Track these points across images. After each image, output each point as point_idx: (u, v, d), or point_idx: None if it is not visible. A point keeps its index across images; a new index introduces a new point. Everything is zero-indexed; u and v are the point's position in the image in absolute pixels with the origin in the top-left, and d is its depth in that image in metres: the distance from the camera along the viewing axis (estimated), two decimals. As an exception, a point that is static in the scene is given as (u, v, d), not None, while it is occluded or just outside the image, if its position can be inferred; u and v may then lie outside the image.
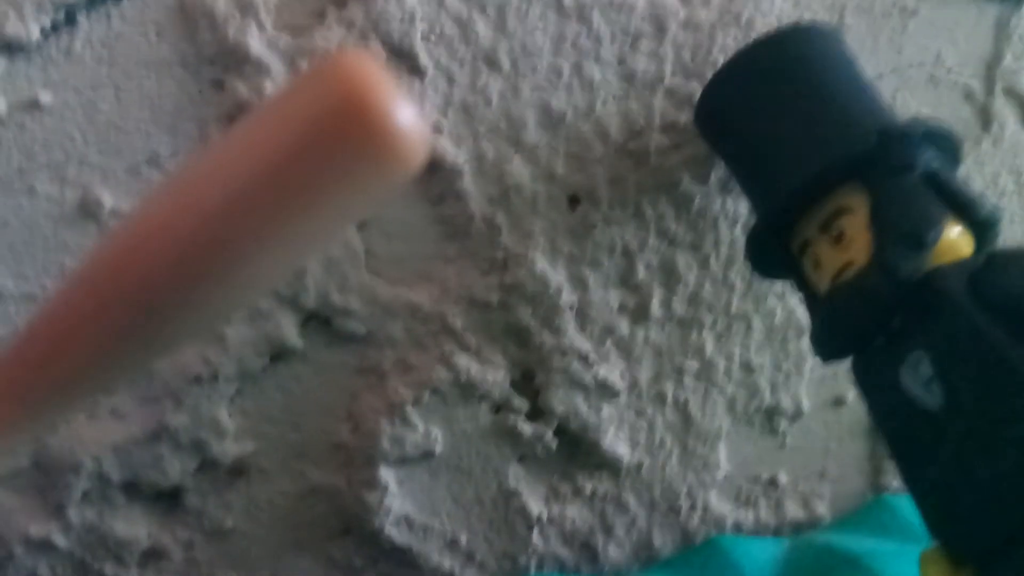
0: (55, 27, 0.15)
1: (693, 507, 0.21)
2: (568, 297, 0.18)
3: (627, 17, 0.17)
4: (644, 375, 0.20)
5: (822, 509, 0.22)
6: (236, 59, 0.16)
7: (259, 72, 0.16)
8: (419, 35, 0.16)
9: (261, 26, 0.16)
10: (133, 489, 0.17)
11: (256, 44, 0.16)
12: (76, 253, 0.16)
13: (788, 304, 0.20)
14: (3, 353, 0.11)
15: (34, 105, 0.15)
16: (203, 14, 0.15)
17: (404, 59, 0.16)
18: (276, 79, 0.16)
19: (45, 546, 0.17)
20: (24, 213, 0.16)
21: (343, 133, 0.08)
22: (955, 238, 0.15)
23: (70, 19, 0.15)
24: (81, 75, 0.15)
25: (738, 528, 0.22)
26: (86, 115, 0.16)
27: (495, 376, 0.18)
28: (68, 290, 0.11)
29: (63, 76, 0.15)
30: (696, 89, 0.18)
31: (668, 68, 0.18)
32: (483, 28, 0.17)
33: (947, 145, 0.16)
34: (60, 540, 0.17)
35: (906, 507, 0.21)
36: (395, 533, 0.18)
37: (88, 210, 0.16)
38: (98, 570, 0.18)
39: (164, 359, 0.16)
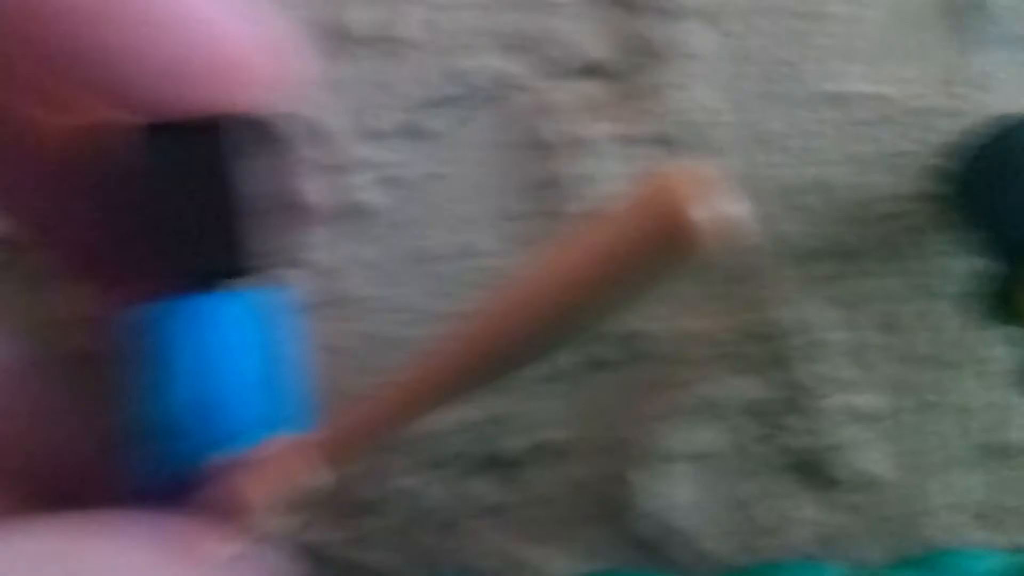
0: (449, 120, 0.21)
1: (936, 528, 0.25)
2: (822, 335, 0.23)
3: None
4: (891, 404, 0.24)
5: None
6: (553, 143, 0.21)
7: (568, 150, 0.21)
8: (706, 124, 0.21)
9: (574, 117, 0.21)
10: (483, 458, 0.23)
11: (580, 130, 0.21)
12: (452, 281, 0.22)
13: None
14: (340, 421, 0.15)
15: (435, 174, 0.22)
16: (538, 109, 0.21)
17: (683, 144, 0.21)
18: (590, 156, 0.21)
19: (415, 494, 0.24)
20: (420, 250, 0.22)
21: (670, 244, 0.12)
22: None
23: (461, 117, 0.21)
24: (463, 154, 0.22)
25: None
26: (463, 182, 0.22)
27: (756, 396, 0.23)
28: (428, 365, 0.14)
29: (454, 155, 0.22)
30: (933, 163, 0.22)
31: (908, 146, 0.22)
32: (770, 116, 0.22)
33: None
34: (428, 490, 0.24)
35: None
36: (655, 511, 0.23)
37: (465, 250, 0.22)
38: (451, 518, 0.24)
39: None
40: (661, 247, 0.12)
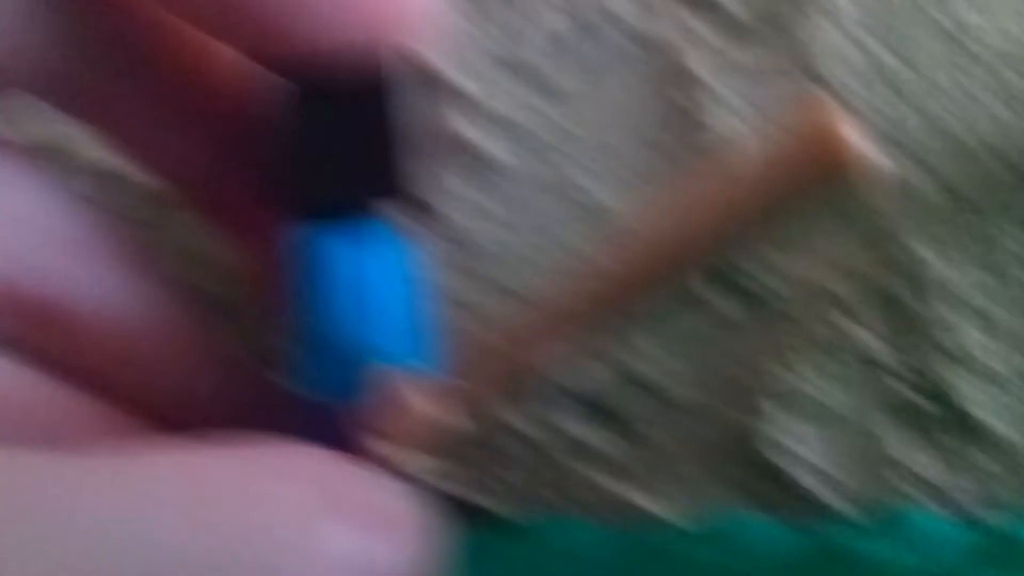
0: (575, 81, 0.22)
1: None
2: (936, 274, 0.23)
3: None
4: (1019, 361, 0.23)
5: None
6: (697, 92, 0.22)
7: (712, 100, 0.22)
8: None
9: (716, 68, 0.22)
10: (578, 398, 0.24)
11: (692, 63, 0.22)
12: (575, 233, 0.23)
13: None
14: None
15: (558, 133, 0.23)
16: (671, 63, 0.22)
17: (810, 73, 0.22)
18: (724, 104, 0.22)
19: (518, 434, 0.25)
20: (538, 201, 0.23)
21: (820, 163, 0.12)
22: None
23: (585, 74, 0.22)
24: (587, 112, 0.23)
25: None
26: (590, 139, 0.23)
27: (867, 335, 0.23)
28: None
29: (578, 115, 0.23)
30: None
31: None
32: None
33: None
34: (529, 430, 0.24)
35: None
36: (775, 457, 0.23)
37: (583, 199, 0.23)
38: (553, 457, 0.25)
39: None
40: (811, 166, 0.12)
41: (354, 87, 0.16)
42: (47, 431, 0.17)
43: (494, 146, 0.22)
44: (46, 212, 0.17)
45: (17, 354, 0.18)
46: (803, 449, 0.23)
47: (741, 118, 0.22)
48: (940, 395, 0.23)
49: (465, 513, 0.26)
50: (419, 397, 0.15)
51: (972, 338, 0.23)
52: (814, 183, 0.12)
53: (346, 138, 0.16)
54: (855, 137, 0.12)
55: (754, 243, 0.22)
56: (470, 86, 0.22)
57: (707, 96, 0.22)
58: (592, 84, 0.22)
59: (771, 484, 0.24)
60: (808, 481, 0.23)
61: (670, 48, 0.22)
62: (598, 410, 0.24)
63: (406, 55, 0.16)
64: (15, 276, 0.17)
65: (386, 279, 0.16)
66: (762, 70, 0.22)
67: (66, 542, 0.11)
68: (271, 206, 0.16)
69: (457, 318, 0.24)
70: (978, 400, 0.23)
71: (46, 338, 0.18)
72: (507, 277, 0.23)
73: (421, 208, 0.17)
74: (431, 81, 0.21)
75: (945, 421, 0.23)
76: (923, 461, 0.24)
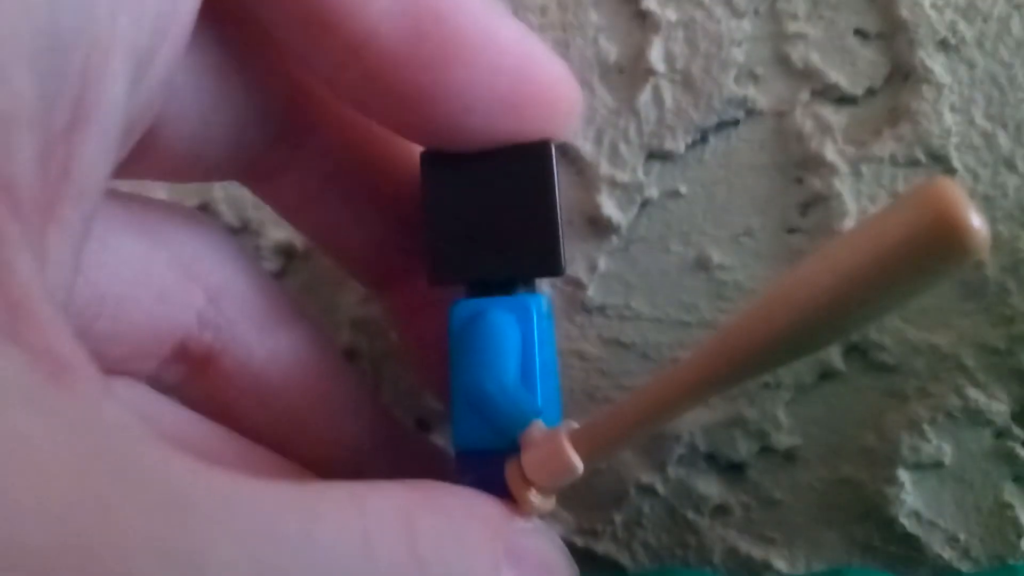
0: (694, 143, 0.23)
1: None
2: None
3: None
4: None
5: None
6: (814, 163, 0.23)
7: (831, 173, 0.23)
8: (952, 145, 0.22)
9: (834, 140, 0.23)
10: (711, 459, 0.25)
11: (830, 152, 0.23)
12: (691, 292, 0.24)
13: None
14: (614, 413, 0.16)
15: (675, 193, 0.24)
16: (793, 134, 0.23)
17: (940, 163, 0.22)
18: (843, 177, 0.23)
19: (649, 491, 0.26)
20: (660, 263, 0.24)
21: (935, 245, 0.12)
22: None
23: (704, 138, 0.23)
24: (706, 174, 0.23)
25: None
26: (706, 200, 0.24)
27: (999, 408, 0.23)
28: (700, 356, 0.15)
29: (695, 175, 0.24)
30: None
31: None
32: (1003, 140, 0.22)
33: None
34: (660, 488, 0.26)
35: None
36: (907, 523, 0.24)
37: (702, 264, 0.24)
38: (683, 514, 0.26)
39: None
40: (934, 249, 0.12)
41: (520, 171, 0.17)
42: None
43: (642, 228, 0.23)
44: (220, 269, 0.19)
45: (180, 400, 0.19)
46: (934, 515, 0.24)
47: (874, 202, 0.22)
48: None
49: (591, 562, 0.27)
50: (561, 451, 0.16)
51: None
52: (940, 261, 0.12)
53: (515, 217, 0.17)
54: (977, 217, 0.12)
55: (887, 317, 0.23)
56: (619, 174, 0.23)
57: (841, 182, 0.22)
58: (734, 173, 0.23)
59: (903, 548, 0.25)
60: (938, 546, 0.24)
61: (794, 121, 0.23)
62: (734, 474, 0.25)
63: (565, 144, 0.17)
64: (190, 329, 0.18)
65: (536, 344, 0.17)
66: (892, 157, 0.22)
67: (305, 569, 0.11)
68: (438, 276, 0.18)
69: (573, 368, 0.25)
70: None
71: (207, 386, 0.19)
72: (619, 330, 0.24)
73: (572, 282, 0.18)
74: (584, 169, 0.22)
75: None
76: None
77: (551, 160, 0.17)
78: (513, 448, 0.16)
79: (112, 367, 0.17)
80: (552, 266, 0.17)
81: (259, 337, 0.19)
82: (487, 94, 0.16)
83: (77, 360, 0.12)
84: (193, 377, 0.19)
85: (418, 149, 0.17)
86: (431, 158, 0.17)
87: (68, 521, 0.10)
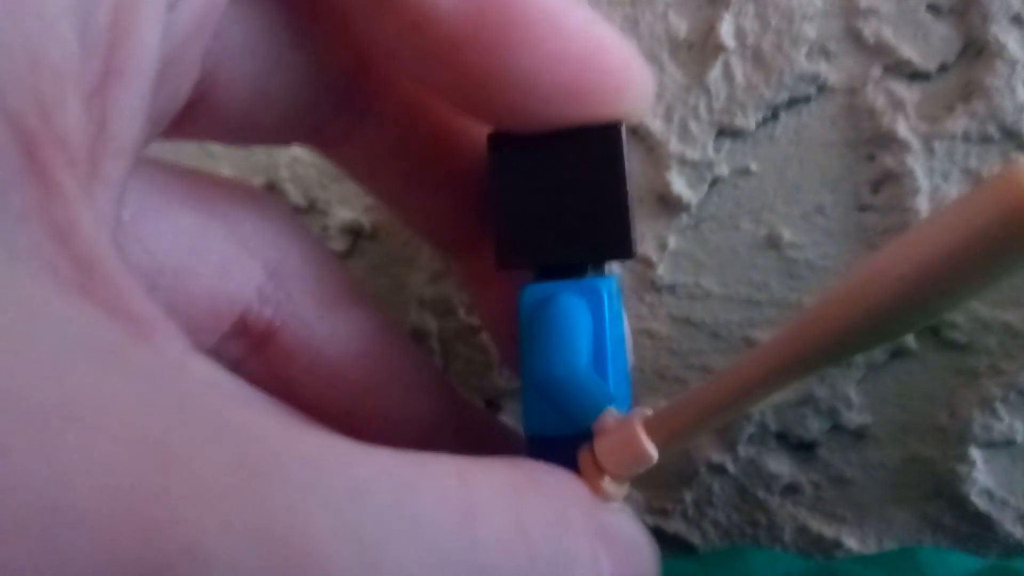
0: (764, 120, 0.24)
1: None
2: None
3: None
4: None
5: None
6: (886, 140, 0.24)
7: (902, 149, 0.23)
8: (1019, 113, 0.23)
9: (906, 116, 0.23)
10: (782, 438, 0.26)
11: (902, 129, 0.23)
12: (762, 270, 0.25)
13: None
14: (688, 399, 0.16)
15: (746, 171, 0.25)
16: (865, 110, 0.24)
17: (1013, 139, 0.23)
18: (916, 154, 0.23)
19: (719, 470, 0.27)
20: (730, 241, 0.25)
21: (1018, 232, 0.12)
22: None
23: (775, 115, 0.24)
24: (777, 152, 0.24)
25: None
26: (777, 178, 0.24)
27: (1074, 386, 0.24)
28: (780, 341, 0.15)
29: (766, 152, 0.24)
30: None
31: None
32: None
33: None
34: (730, 467, 0.27)
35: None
36: (979, 501, 0.25)
37: (772, 242, 0.25)
38: (752, 493, 0.27)
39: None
40: (1017, 237, 0.12)
41: (589, 153, 0.17)
42: None
43: (712, 206, 0.24)
44: (280, 246, 0.19)
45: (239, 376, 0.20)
46: (1006, 493, 0.25)
47: (947, 180, 0.23)
48: None
49: (661, 541, 0.28)
50: (636, 439, 0.16)
51: None
52: (1016, 241, 0.13)
53: (576, 196, 0.17)
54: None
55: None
56: (689, 152, 0.24)
57: (914, 159, 0.23)
58: (805, 150, 0.23)
59: (974, 526, 0.26)
60: (1010, 524, 0.25)
61: (866, 98, 0.23)
62: (805, 452, 0.26)
63: (635, 124, 0.17)
64: (250, 304, 0.19)
65: (608, 329, 0.18)
66: (965, 133, 0.23)
67: (415, 549, 0.11)
68: (506, 260, 0.18)
69: (643, 347, 0.26)
70: None
71: (268, 363, 0.19)
72: (689, 309, 0.25)
73: (641, 261, 0.19)
74: (654, 146, 0.23)
75: None
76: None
77: (621, 142, 0.17)
78: (585, 434, 0.17)
79: None
80: (623, 249, 0.17)
81: (320, 314, 0.19)
82: (551, 80, 0.16)
83: (155, 317, 0.12)
84: (253, 353, 0.19)
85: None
86: (498, 140, 0.18)
87: (141, 486, 0.09)
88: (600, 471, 0.16)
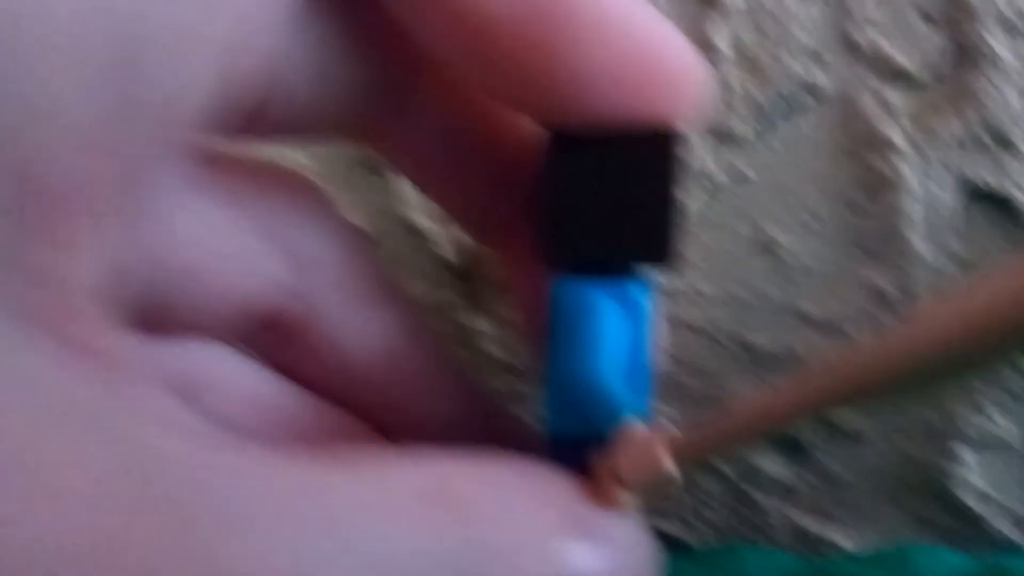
0: (762, 128, 0.25)
1: None
2: None
3: None
4: None
5: None
6: (881, 147, 0.24)
7: (897, 156, 0.24)
8: (1020, 128, 0.24)
9: (900, 124, 0.24)
10: (776, 439, 0.27)
11: (896, 136, 0.24)
12: (759, 276, 0.26)
13: None
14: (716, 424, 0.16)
15: (743, 178, 0.25)
16: (860, 118, 0.24)
17: (1006, 147, 0.24)
18: (910, 161, 0.24)
19: (714, 471, 0.27)
20: (728, 247, 0.26)
21: None
22: None
23: (771, 123, 0.25)
24: (774, 159, 0.25)
25: None
26: (774, 185, 0.25)
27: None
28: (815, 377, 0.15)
29: (763, 160, 0.25)
30: None
31: None
32: None
33: None
34: (725, 467, 0.27)
35: None
36: (969, 501, 0.26)
37: (769, 248, 0.26)
38: (747, 494, 0.27)
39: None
40: None
41: (640, 151, 0.17)
42: (292, 434, 0.18)
43: (711, 213, 0.25)
44: (311, 238, 0.19)
45: (266, 366, 0.20)
46: (997, 493, 0.26)
47: (941, 187, 0.24)
48: None
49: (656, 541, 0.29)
50: (649, 445, 0.16)
51: None
52: None
53: (626, 198, 0.17)
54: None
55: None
56: (688, 161, 0.25)
57: (908, 166, 0.24)
58: (801, 158, 0.24)
59: (957, 517, 0.27)
60: (1000, 523, 0.26)
61: (860, 107, 0.24)
62: (799, 453, 0.27)
63: (681, 128, 0.17)
64: (275, 299, 0.19)
65: (634, 328, 0.18)
66: (947, 126, 0.24)
67: (317, 545, 0.12)
68: (542, 254, 0.18)
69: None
70: None
71: (293, 359, 0.19)
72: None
73: (674, 269, 0.19)
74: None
75: None
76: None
77: (673, 149, 0.17)
78: (606, 441, 0.17)
79: (191, 333, 0.18)
80: (660, 254, 0.17)
81: (349, 313, 0.19)
82: (603, 79, 0.16)
83: (106, 345, 0.13)
84: (280, 348, 0.19)
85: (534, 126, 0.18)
86: (555, 140, 0.17)
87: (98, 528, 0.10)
88: (613, 479, 0.16)
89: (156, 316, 0.17)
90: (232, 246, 0.18)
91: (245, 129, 0.17)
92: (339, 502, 0.12)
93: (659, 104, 0.17)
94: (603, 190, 0.17)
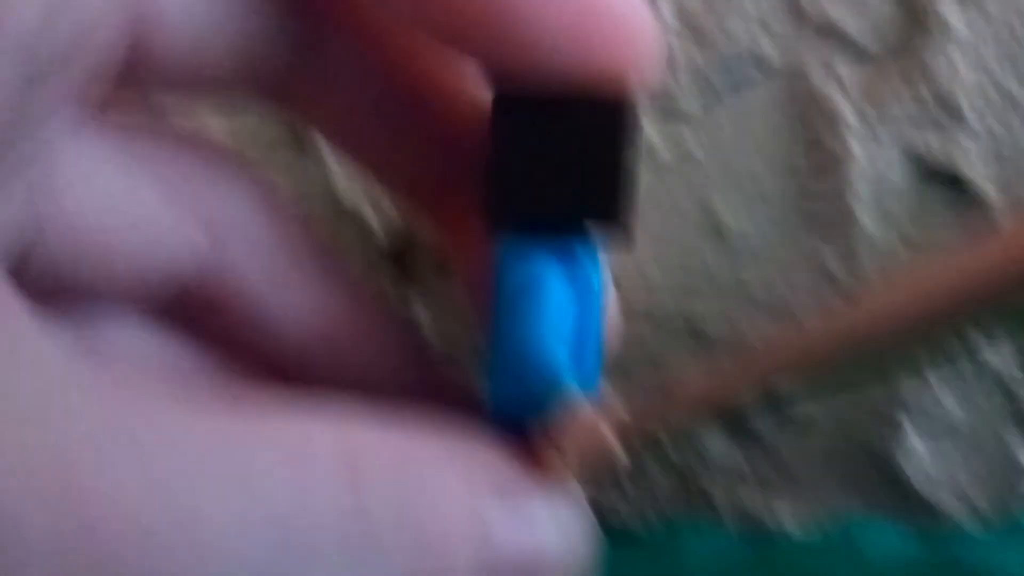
0: (708, 105, 0.24)
1: None
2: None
3: None
4: None
5: None
6: (830, 123, 0.24)
7: (847, 132, 0.24)
8: (968, 101, 0.23)
9: (850, 99, 0.24)
10: (727, 424, 0.27)
11: (846, 112, 0.24)
12: (706, 260, 0.25)
13: None
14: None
15: (689, 156, 0.25)
16: (809, 93, 0.24)
17: (957, 119, 0.23)
18: (859, 137, 0.24)
19: (658, 452, 0.27)
20: (668, 222, 0.25)
21: None
22: None
23: (718, 100, 0.24)
24: (721, 136, 0.24)
25: None
26: (721, 163, 0.24)
27: (1007, 364, 0.25)
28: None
29: (709, 138, 0.24)
30: None
31: None
32: (1021, 94, 0.23)
33: None
34: (668, 449, 0.27)
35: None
36: (909, 470, 0.26)
37: (716, 230, 0.25)
38: (692, 475, 0.27)
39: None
40: None
41: (591, 110, 0.17)
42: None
43: (655, 193, 0.24)
44: (230, 208, 0.18)
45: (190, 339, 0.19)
46: (936, 462, 0.26)
47: (877, 144, 0.24)
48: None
49: (601, 522, 0.28)
50: (593, 422, 0.16)
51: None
52: None
53: (575, 159, 0.17)
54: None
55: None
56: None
57: (857, 142, 0.23)
58: (749, 135, 0.23)
59: (903, 496, 0.27)
60: (940, 494, 0.26)
61: (809, 81, 0.24)
62: (744, 434, 0.26)
63: (638, 87, 0.17)
64: (189, 273, 0.18)
65: (584, 300, 0.17)
66: (897, 100, 0.23)
67: (239, 502, 0.12)
68: (487, 216, 0.17)
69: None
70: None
71: (214, 333, 0.19)
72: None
73: (625, 234, 0.18)
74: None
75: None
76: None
77: (625, 109, 0.17)
78: (548, 415, 0.17)
79: (100, 305, 0.18)
80: (610, 213, 0.17)
81: (277, 280, 0.18)
82: (551, 21, 0.16)
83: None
84: (204, 319, 0.19)
85: (473, 85, 0.18)
86: (502, 98, 0.17)
87: None
88: (553, 453, 0.16)
89: (49, 282, 0.16)
90: (138, 213, 0.17)
91: (131, 77, 0.16)
92: (250, 449, 0.12)
93: (610, 57, 0.16)
94: (552, 148, 0.17)
